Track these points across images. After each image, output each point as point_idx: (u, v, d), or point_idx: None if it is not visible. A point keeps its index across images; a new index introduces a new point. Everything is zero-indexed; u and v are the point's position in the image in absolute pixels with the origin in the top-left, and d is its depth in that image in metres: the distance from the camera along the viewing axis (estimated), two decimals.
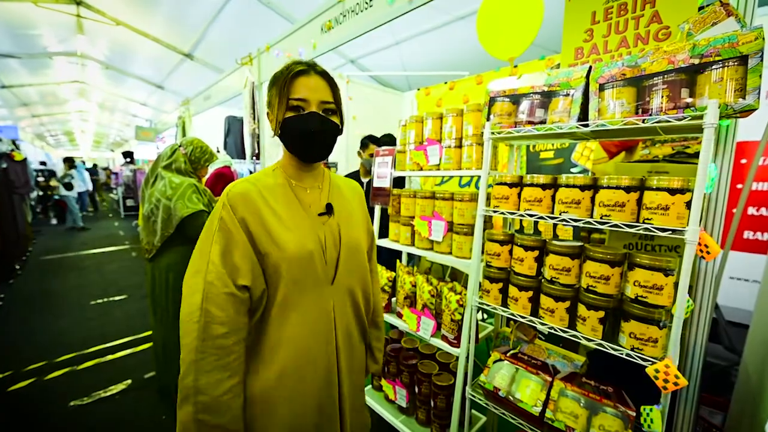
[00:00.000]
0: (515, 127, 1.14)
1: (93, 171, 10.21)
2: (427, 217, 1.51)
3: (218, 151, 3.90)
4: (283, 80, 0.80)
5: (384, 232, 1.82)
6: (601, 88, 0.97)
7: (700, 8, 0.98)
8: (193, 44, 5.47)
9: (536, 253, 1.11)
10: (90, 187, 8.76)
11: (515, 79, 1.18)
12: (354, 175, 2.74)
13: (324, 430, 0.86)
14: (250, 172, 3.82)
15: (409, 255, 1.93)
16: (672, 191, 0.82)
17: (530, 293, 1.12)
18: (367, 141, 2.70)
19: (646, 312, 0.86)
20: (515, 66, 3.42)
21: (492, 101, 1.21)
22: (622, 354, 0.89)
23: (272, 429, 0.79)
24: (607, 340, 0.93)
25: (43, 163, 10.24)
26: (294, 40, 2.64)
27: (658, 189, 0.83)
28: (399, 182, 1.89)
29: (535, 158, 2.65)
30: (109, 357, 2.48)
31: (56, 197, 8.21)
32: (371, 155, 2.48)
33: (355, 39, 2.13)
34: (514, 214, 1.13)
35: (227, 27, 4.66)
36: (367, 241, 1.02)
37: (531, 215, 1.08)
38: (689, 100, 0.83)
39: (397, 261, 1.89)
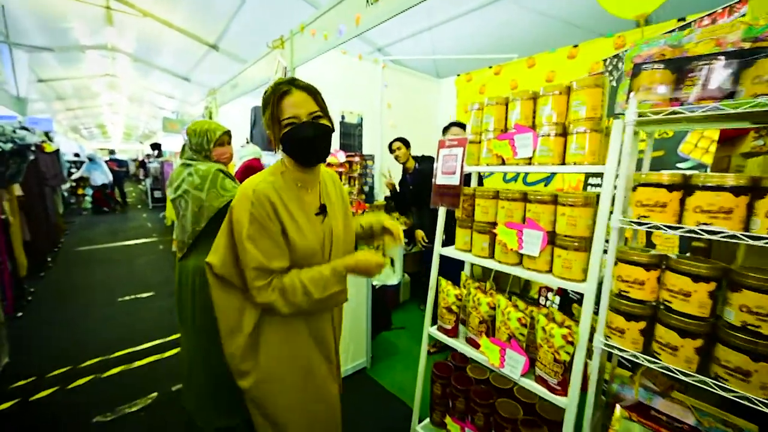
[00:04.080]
0: (679, 104, 0.80)
1: (121, 163, 10.21)
2: (517, 225, 1.19)
3: (247, 143, 3.68)
4: (273, 103, 0.92)
5: (449, 238, 1.52)
6: None
7: None
8: (218, 35, 5.32)
9: (712, 285, 0.77)
10: (110, 178, 8.59)
11: (674, 35, 0.84)
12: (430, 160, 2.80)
13: (323, 381, 1.07)
14: None
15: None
16: None
17: (699, 342, 0.78)
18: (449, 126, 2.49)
19: None
20: (575, 46, 3.01)
21: (637, 70, 0.87)
22: None
23: (285, 392, 1.01)
24: None
25: (76, 155, 10.51)
26: (333, 16, 2.34)
27: None
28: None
29: None
30: (136, 363, 2.32)
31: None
32: None
33: (395, 17, 1.81)
34: (677, 228, 0.79)
35: (253, 17, 4.44)
36: (346, 223, 1.12)
37: (713, 233, 0.74)
38: None
39: (463, 274, 1.58)
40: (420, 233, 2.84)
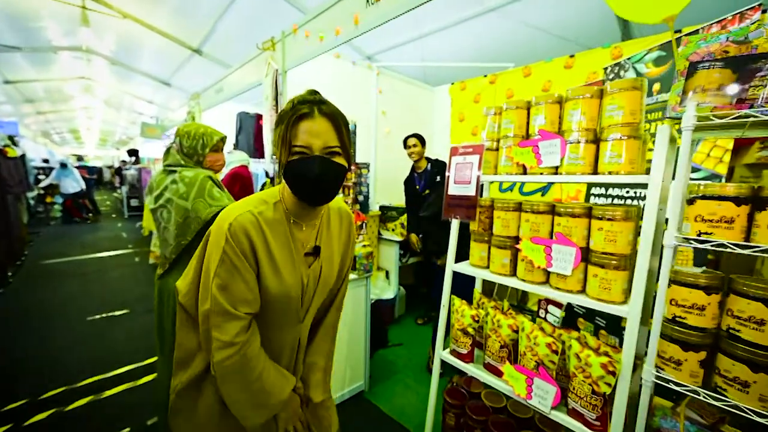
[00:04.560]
0: (747, 107, 0.72)
1: (91, 170, 9.67)
2: (544, 240, 1.09)
3: (234, 148, 3.49)
4: (287, 124, 0.76)
5: (462, 251, 1.40)
6: None
7: None
8: (202, 39, 5.13)
9: None
10: (83, 186, 8.12)
11: (737, 33, 0.76)
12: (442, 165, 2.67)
13: None
14: (266, 174, 3.41)
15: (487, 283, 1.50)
16: None
17: None
18: None
19: None
20: (572, 56, 3.01)
21: (692, 69, 0.78)
22: None
23: None
24: None
25: (45, 161, 9.91)
26: (330, 17, 2.23)
27: None
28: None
29: None
30: (105, 393, 2.06)
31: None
32: None
33: (386, 23, 1.72)
34: (747, 248, 0.70)
35: (239, 21, 4.29)
36: (345, 270, 1.01)
37: None
38: None
39: (476, 292, 1.47)
40: (414, 237, 2.72)
